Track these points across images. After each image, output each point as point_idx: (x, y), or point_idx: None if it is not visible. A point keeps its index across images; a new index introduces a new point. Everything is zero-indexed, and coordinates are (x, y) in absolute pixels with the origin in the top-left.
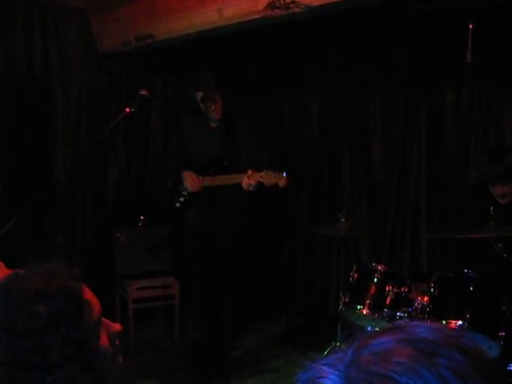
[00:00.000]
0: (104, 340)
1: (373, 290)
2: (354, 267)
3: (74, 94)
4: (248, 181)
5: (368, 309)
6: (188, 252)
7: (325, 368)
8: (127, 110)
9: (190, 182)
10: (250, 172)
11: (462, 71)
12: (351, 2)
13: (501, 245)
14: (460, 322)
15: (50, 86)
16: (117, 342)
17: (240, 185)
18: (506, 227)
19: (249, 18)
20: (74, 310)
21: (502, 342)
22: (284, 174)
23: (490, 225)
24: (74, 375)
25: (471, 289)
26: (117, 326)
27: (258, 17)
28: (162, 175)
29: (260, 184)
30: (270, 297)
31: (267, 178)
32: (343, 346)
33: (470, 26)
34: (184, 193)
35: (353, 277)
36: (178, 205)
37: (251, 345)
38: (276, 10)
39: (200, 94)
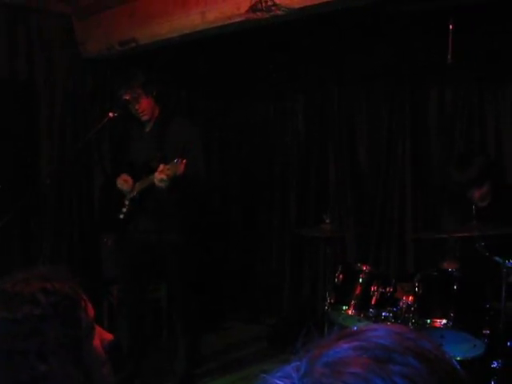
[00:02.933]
0: (97, 344)
1: (358, 290)
2: (340, 268)
3: (58, 99)
4: (159, 176)
5: (353, 309)
6: (121, 259)
7: (279, 382)
8: (110, 114)
9: (121, 181)
10: (161, 167)
11: (445, 71)
12: (332, 5)
13: (483, 243)
14: (444, 321)
15: (33, 90)
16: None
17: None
18: (488, 226)
19: (231, 21)
20: (72, 306)
21: (486, 340)
22: (180, 160)
23: (472, 224)
24: (67, 367)
25: (455, 287)
26: (109, 336)
27: (240, 19)
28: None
29: (172, 177)
30: (258, 298)
31: (173, 168)
32: (301, 354)
33: (451, 27)
34: (126, 202)
35: (338, 277)
36: (121, 216)
37: (238, 346)
38: (258, 13)
39: (127, 97)
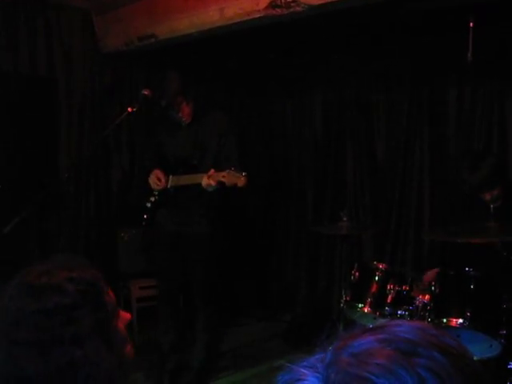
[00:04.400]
0: (120, 324)
1: (374, 288)
2: (356, 266)
3: (77, 94)
4: (208, 180)
5: (369, 307)
6: (153, 252)
7: (304, 370)
8: (129, 109)
9: (154, 179)
10: (212, 172)
11: (465, 70)
12: (351, 2)
13: (500, 243)
14: (461, 321)
15: (53, 86)
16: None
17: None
18: (506, 226)
19: (250, 17)
20: (98, 291)
21: (502, 341)
22: (243, 174)
23: (490, 224)
24: (100, 350)
25: (472, 287)
26: (127, 315)
27: (259, 16)
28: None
29: (221, 184)
30: (274, 295)
31: (229, 177)
32: (325, 347)
33: (471, 25)
34: (155, 192)
35: (354, 275)
36: (148, 204)
37: (255, 343)
38: (277, 9)
39: (164, 102)
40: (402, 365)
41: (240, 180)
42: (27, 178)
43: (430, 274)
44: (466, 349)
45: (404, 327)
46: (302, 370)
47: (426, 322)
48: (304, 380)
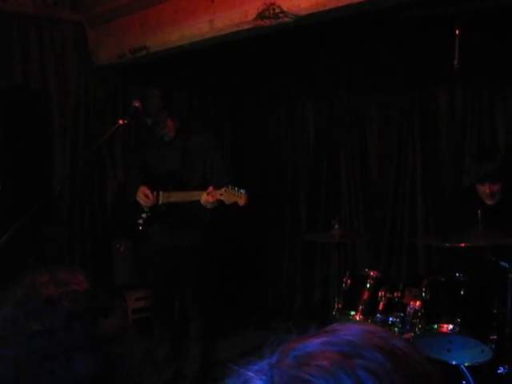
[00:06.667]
0: None
1: (365, 295)
2: (347, 273)
3: (70, 106)
4: (207, 197)
5: (361, 314)
6: (146, 265)
7: (251, 373)
8: (120, 121)
9: (142, 196)
10: (210, 189)
11: (454, 75)
12: (339, 11)
13: (489, 248)
14: (451, 326)
15: (47, 98)
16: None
17: (199, 201)
18: (494, 232)
19: (239, 29)
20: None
21: (493, 346)
22: (243, 192)
23: (478, 230)
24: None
25: (462, 293)
26: None
27: (248, 27)
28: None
29: (219, 201)
30: (269, 303)
31: (227, 195)
32: (274, 350)
33: (457, 32)
34: (146, 209)
35: (346, 283)
36: (140, 221)
37: (249, 351)
38: (265, 20)
39: (149, 119)
40: (342, 366)
41: (240, 199)
42: (21, 190)
43: None
44: (416, 351)
45: (352, 330)
46: (250, 373)
47: (378, 326)
48: (251, 382)
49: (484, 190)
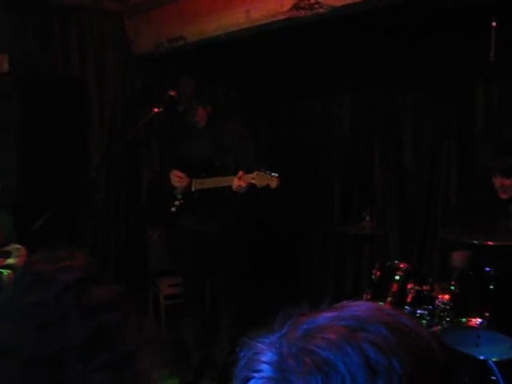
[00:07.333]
0: None
1: (394, 287)
2: (377, 265)
3: (108, 96)
4: (238, 182)
5: (389, 306)
6: (178, 251)
7: (263, 346)
8: (155, 110)
9: (176, 179)
10: (240, 173)
11: (490, 69)
12: (373, 2)
13: None
14: (480, 321)
15: (85, 87)
16: None
17: (231, 187)
18: None
19: (275, 19)
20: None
21: None
22: (275, 175)
23: (509, 225)
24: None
25: (492, 287)
26: None
27: (283, 17)
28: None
29: (251, 185)
30: (300, 294)
31: (258, 178)
32: (283, 324)
33: (493, 24)
34: (179, 196)
35: (375, 274)
36: (173, 209)
37: None
38: (301, 11)
39: (180, 107)
40: (347, 339)
41: (272, 181)
42: (58, 176)
43: (458, 256)
44: (424, 330)
45: (361, 306)
46: (261, 346)
47: (386, 305)
48: (261, 354)
49: (496, 182)
